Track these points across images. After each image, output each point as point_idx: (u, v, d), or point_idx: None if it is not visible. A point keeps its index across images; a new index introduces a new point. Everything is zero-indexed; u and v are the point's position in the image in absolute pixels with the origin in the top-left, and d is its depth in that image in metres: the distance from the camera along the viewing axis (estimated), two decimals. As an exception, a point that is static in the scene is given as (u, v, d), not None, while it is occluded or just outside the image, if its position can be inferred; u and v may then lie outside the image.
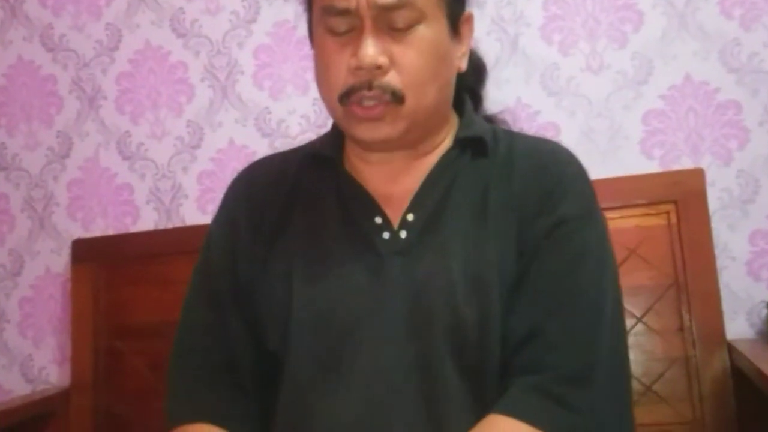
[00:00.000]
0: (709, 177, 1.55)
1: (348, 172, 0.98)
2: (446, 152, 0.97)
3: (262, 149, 1.75)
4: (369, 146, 0.94)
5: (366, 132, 0.90)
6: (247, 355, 0.97)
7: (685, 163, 1.58)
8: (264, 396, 0.98)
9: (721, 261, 1.52)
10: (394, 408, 0.87)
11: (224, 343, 0.98)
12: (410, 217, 0.94)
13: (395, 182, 0.96)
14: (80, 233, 1.85)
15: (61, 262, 1.85)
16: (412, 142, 0.94)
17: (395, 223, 0.94)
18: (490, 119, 1.07)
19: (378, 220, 0.94)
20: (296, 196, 0.99)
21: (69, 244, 1.80)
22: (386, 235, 0.93)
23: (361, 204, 0.95)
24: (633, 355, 1.46)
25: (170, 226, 1.81)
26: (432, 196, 0.94)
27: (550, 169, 0.93)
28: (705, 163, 1.58)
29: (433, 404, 0.86)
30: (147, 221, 1.83)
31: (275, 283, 0.94)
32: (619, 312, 0.91)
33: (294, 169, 1.02)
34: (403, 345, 0.88)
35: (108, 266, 1.71)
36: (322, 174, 0.99)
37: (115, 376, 1.67)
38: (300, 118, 1.77)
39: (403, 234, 0.93)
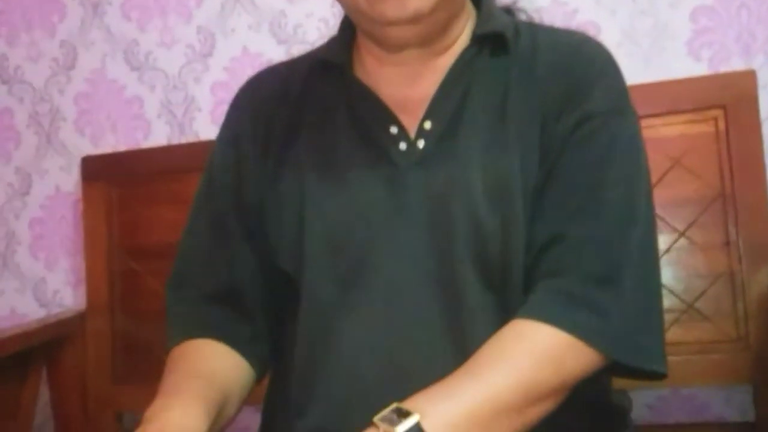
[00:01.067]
0: (761, 79, 1.52)
1: (359, 79, 0.96)
2: (464, 51, 0.94)
3: (278, 57, 1.74)
4: (391, 34, 0.90)
5: (393, 7, 0.86)
6: (252, 278, 0.99)
7: (736, 65, 1.55)
8: (274, 322, 0.99)
9: (773, 170, 1.51)
10: (416, 323, 0.88)
11: (227, 267, 0.99)
12: (427, 124, 0.93)
13: (410, 86, 0.95)
14: (89, 150, 1.86)
15: (70, 180, 1.87)
16: (429, 36, 0.92)
17: (412, 132, 0.93)
18: (509, 10, 1.04)
19: (393, 129, 0.93)
20: (304, 108, 0.98)
21: (78, 161, 1.81)
22: (403, 145, 0.92)
23: (374, 113, 0.94)
24: (674, 272, 1.46)
25: (183, 141, 1.82)
26: (450, 101, 0.93)
27: (575, 63, 0.91)
28: (757, 64, 1.54)
29: (456, 318, 0.87)
30: (159, 136, 1.84)
31: (286, 201, 0.95)
32: (651, 215, 0.89)
33: (300, 78, 1.01)
34: (424, 259, 0.89)
35: (120, 184, 1.73)
36: (331, 82, 0.98)
37: (131, 298, 1.70)
38: (318, 21, 1.75)
39: (420, 144, 0.92)
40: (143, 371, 1.65)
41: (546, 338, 0.82)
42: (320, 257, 0.92)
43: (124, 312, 1.70)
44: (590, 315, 0.83)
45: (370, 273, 0.90)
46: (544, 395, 0.81)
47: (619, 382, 1.03)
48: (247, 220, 0.98)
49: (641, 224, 0.87)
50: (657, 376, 0.86)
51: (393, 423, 0.75)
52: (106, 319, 1.69)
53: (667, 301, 1.45)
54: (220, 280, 0.99)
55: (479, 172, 0.89)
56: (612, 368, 0.86)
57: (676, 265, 1.47)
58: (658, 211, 1.48)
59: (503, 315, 0.87)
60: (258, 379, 1.01)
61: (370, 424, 0.76)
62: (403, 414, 0.76)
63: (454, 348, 0.87)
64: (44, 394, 1.69)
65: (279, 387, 0.98)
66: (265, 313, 1.00)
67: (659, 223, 1.47)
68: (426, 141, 0.92)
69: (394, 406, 0.77)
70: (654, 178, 1.47)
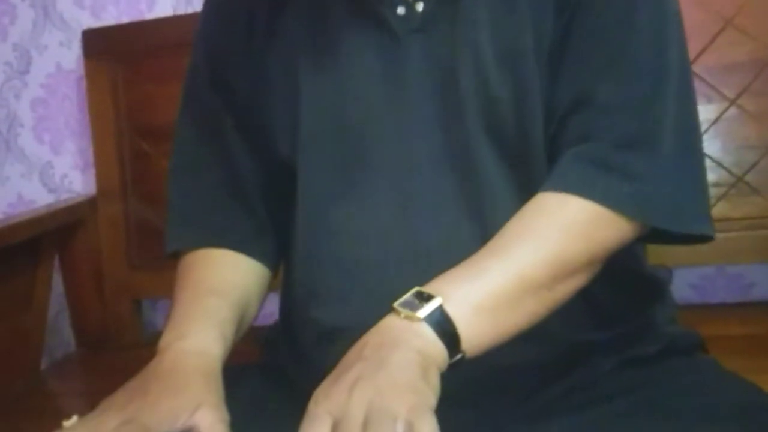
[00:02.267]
0: (826, -72, 1.46)
1: None
2: None
3: None
4: None
5: None
6: (251, 167, 0.99)
7: None
8: (277, 215, 1.00)
9: (835, 30, 1.47)
10: (428, 207, 0.88)
11: (225, 158, 0.99)
12: None
13: None
14: (90, 22, 1.84)
15: (72, 56, 1.87)
16: None
17: None
18: None
19: None
20: None
21: (78, 35, 1.80)
22: (401, 9, 0.89)
23: None
24: (723, 143, 1.45)
25: (190, 10, 1.79)
26: None
27: None
28: None
29: (473, 195, 0.87)
30: (164, 5, 1.81)
31: (277, 83, 0.94)
32: (685, 65, 0.87)
33: None
34: (432, 136, 0.88)
35: (124, 60, 1.72)
36: None
37: (143, 181, 1.72)
38: None
39: (419, 6, 0.89)
40: (160, 257, 1.64)
41: (574, 210, 0.81)
42: (316, 141, 0.91)
43: (137, 196, 1.72)
44: (623, 181, 0.82)
45: (373, 154, 0.89)
46: (574, 270, 0.81)
47: (659, 260, 1.05)
48: (237, 108, 0.98)
49: (675, 76, 0.84)
50: (702, 239, 0.86)
51: (414, 307, 0.76)
52: (118, 203, 1.72)
53: (715, 175, 1.44)
54: (218, 168, 1.00)
55: (487, 35, 0.86)
56: (652, 237, 0.86)
57: (726, 136, 1.45)
58: (707, 77, 1.45)
59: (524, 188, 0.86)
60: (274, 272, 1.03)
61: (391, 310, 0.77)
62: (425, 298, 0.76)
63: (474, 226, 0.87)
64: (58, 283, 1.73)
65: (289, 281, 1.00)
66: (268, 206, 1.01)
67: (708, 91, 1.45)
68: (425, 3, 0.89)
69: (414, 290, 0.78)
70: (703, 41, 1.44)
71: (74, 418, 0.78)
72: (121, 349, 1.69)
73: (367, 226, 0.89)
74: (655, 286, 1.00)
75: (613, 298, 0.88)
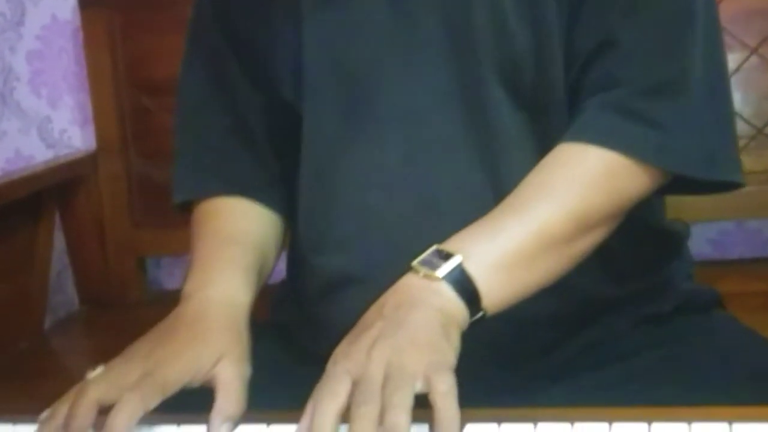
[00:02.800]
0: None
1: None
2: None
3: None
4: None
5: None
6: (258, 113, 0.99)
7: None
8: (284, 160, 1.00)
9: None
10: (437, 154, 0.87)
11: (232, 104, 0.99)
12: None
13: None
14: (86, -29, 1.82)
15: (67, 6, 1.85)
16: None
17: None
18: None
19: None
20: None
21: (74, -17, 1.78)
22: None
23: None
24: (744, 94, 1.45)
25: (190, -43, 1.77)
26: None
27: None
28: None
29: (485, 147, 0.86)
30: (162, -47, 1.79)
31: (280, 24, 0.93)
32: (713, 12, 0.86)
33: None
34: (442, 79, 0.86)
35: (122, 10, 1.71)
36: None
37: (144, 136, 1.72)
38: None
39: None
40: (164, 214, 1.65)
41: (597, 162, 0.81)
42: (320, 85, 0.90)
43: (138, 152, 1.72)
44: (649, 129, 0.81)
45: (380, 98, 0.88)
46: (595, 223, 0.81)
47: (676, 214, 1.05)
48: (241, 51, 0.98)
49: (701, 20, 0.83)
50: (731, 187, 0.85)
51: (433, 266, 0.76)
52: (119, 159, 1.72)
53: (734, 127, 1.43)
54: (226, 115, 1.00)
55: None
56: (675, 187, 0.86)
57: (746, 86, 1.44)
58: (727, 25, 1.43)
59: (540, 138, 0.86)
60: (287, 223, 1.03)
61: (409, 268, 0.77)
62: (444, 256, 0.77)
63: (485, 176, 0.87)
64: (60, 241, 1.74)
65: (295, 232, 1.00)
66: (277, 153, 1.01)
67: (728, 40, 1.44)
68: None
69: (433, 248, 0.78)
70: (723, -13, 1.42)
71: (99, 369, 0.79)
72: (125, 308, 1.71)
73: (374, 174, 0.89)
74: (672, 241, 1.00)
75: (630, 252, 0.89)
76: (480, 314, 0.77)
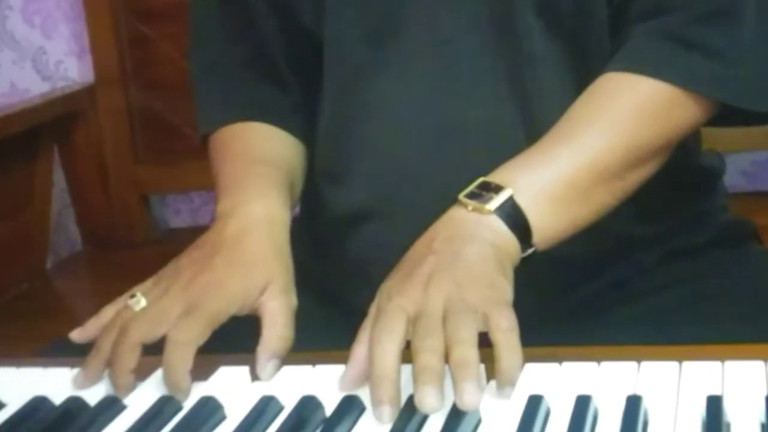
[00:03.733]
0: None
1: None
2: None
3: None
4: None
5: None
6: (278, 39, 0.98)
7: None
8: (306, 87, 0.99)
9: None
10: (465, 83, 0.87)
11: (250, 29, 0.98)
12: None
13: None
14: None
15: (60, -73, 1.83)
16: None
17: None
18: None
19: None
20: None
21: None
22: None
23: None
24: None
25: None
26: None
27: None
28: None
29: (516, 76, 0.86)
30: None
31: None
32: None
33: None
34: (472, 5, 0.86)
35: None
36: None
37: (145, 67, 1.70)
38: None
39: None
40: (167, 149, 1.69)
41: (649, 92, 0.81)
42: (343, 10, 0.89)
43: (138, 84, 1.71)
44: (704, 59, 0.81)
45: (406, 22, 0.87)
46: (646, 157, 0.81)
47: (708, 145, 1.04)
48: None
49: None
50: None
51: (483, 199, 0.76)
52: (118, 92, 1.71)
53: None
54: (244, 43, 0.99)
55: None
56: (719, 118, 0.85)
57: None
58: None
59: (577, 68, 0.86)
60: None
61: (455, 201, 0.77)
62: (493, 189, 0.76)
63: (515, 106, 0.86)
64: (60, 179, 1.75)
65: (312, 163, 0.99)
66: (299, 79, 1.00)
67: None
68: None
69: (480, 180, 0.78)
70: None
71: (138, 295, 0.80)
72: (130, 247, 1.72)
73: (398, 104, 0.88)
74: (707, 175, 1.00)
75: (662, 189, 0.89)
76: (531, 249, 0.77)
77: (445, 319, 0.67)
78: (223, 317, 0.77)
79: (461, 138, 0.87)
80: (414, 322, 0.67)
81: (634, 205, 0.85)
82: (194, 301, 0.77)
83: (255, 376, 0.75)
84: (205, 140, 1.01)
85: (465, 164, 0.80)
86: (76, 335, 0.82)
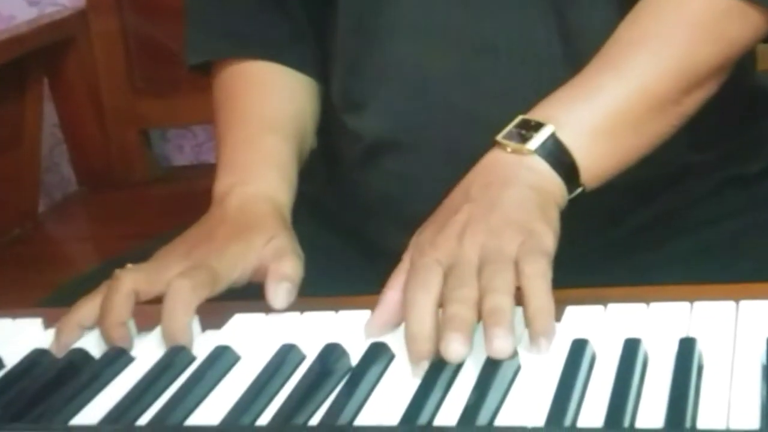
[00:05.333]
0: None
1: None
2: None
3: None
4: None
5: None
6: None
7: None
8: (314, 8, 0.98)
9: None
10: (497, 14, 0.86)
11: None
12: None
13: None
14: None
15: None
16: None
17: None
18: None
19: None
20: None
21: None
22: None
23: None
24: None
25: None
26: None
27: None
28: None
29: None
30: None
31: None
32: None
33: None
34: None
35: None
36: None
37: (140, -11, 1.70)
38: None
39: None
40: (168, 79, 1.68)
41: (702, 6, 0.80)
42: None
43: (134, 8, 1.71)
44: None
45: None
46: (703, 78, 0.81)
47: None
48: None
49: None
50: None
51: (522, 139, 0.75)
52: (112, 17, 1.70)
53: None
54: None
55: None
56: None
57: None
58: None
59: None
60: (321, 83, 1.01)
61: (494, 143, 0.76)
62: (533, 126, 0.76)
63: (550, 22, 0.86)
64: (51, 114, 1.75)
65: (328, 93, 0.99)
66: (305, 3, 0.99)
67: None
68: None
69: (519, 119, 0.77)
70: None
71: (129, 266, 0.79)
72: (129, 187, 1.72)
73: (423, 21, 0.88)
74: (762, 98, 0.99)
75: (715, 113, 0.88)
76: (579, 190, 0.77)
77: (479, 270, 0.67)
78: (227, 279, 0.78)
79: (491, 58, 0.86)
80: (447, 273, 0.68)
81: (686, 130, 0.85)
82: (195, 263, 0.78)
83: (269, 310, 0.75)
84: (197, 70, 1.01)
85: (497, 87, 0.80)
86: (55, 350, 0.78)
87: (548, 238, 0.71)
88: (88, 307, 0.77)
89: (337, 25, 0.93)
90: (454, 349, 0.62)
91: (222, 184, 0.89)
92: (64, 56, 1.70)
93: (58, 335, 0.76)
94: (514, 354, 0.63)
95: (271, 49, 0.98)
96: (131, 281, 0.76)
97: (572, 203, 0.77)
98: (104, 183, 1.74)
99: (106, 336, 0.74)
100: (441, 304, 0.66)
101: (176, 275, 0.75)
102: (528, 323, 0.65)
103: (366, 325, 0.70)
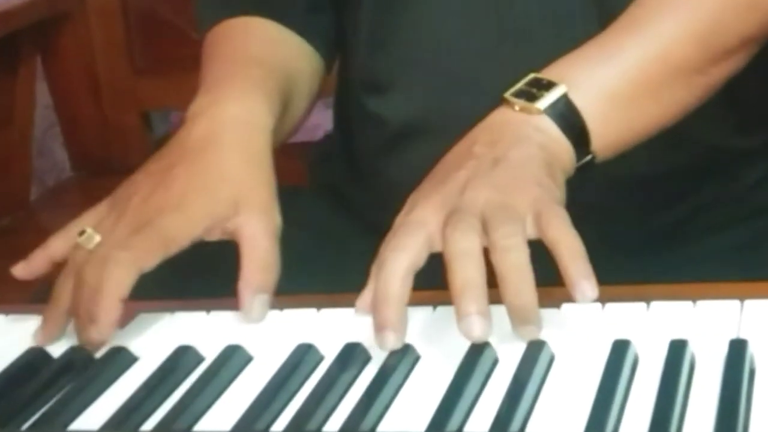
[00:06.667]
0: None
1: None
2: None
3: None
4: None
5: None
6: None
7: None
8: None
9: None
10: None
11: None
12: None
13: None
14: None
15: None
16: None
17: None
18: None
19: None
20: None
21: None
22: None
23: None
24: None
25: None
26: None
27: None
28: None
29: None
30: None
31: None
32: None
33: None
34: None
35: None
36: None
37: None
38: None
39: None
40: (171, 57, 1.68)
41: None
42: None
43: (135, -22, 1.71)
44: None
45: None
46: (733, 47, 0.80)
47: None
48: None
49: None
50: None
51: (532, 97, 0.75)
52: (112, -10, 1.70)
53: None
54: None
55: None
56: None
57: None
58: None
59: None
60: (328, 65, 1.02)
61: (501, 101, 0.76)
62: (545, 85, 0.76)
63: (593, 3, 0.86)
64: (44, 95, 1.75)
65: (348, 76, 1.00)
66: None
67: None
68: None
69: (530, 76, 0.77)
70: None
71: (88, 231, 0.79)
72: (127, 172, 1.68)
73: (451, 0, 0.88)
74: None
75: (761, 94, 0.87)
76: (589, 157, 0.76)
77: (485, 230, 0.66)
78: (182, 241, 0.77)
79: (523, 37, 0.87)
80: (443, 226, 0.67)
81: (730, 111, 0.85)
82: (148, 218, 0.76)
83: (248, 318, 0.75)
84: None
85: (533, 66, 0.79)
86: (21, 271, 0.82)
87: (557, 191, 0.71)
88: (65, 290, 0.77)
89: (360, 2, 0.93)
90: (477, 334, 0.61)
91: (194, 105, 0.87)
92: (58, 32, 1.69)
93: (44, 324, 0.77)
94: (549, 353, 0.62)
95: (282, 13, 0.97)
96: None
97: (607, 195, 0.77)
98: (101, 169, 1.74)
99: (81, 336, 0.75)
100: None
101: (115, 248, 0.74)
102: (564, 270, 0.63)
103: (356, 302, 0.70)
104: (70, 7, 1.69)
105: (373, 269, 0.69)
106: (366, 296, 0.69)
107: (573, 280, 0.62)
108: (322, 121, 1.06)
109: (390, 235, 0.69)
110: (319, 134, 1.11)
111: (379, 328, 0.64)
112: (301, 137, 1.06)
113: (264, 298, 0.75)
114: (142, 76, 1.71)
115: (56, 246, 0.83)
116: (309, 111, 0.99)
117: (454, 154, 0.75)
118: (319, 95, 1.01)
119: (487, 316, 0.62)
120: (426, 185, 0.73)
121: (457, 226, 0.65)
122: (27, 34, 1.65)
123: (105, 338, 0.73)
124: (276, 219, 0.81)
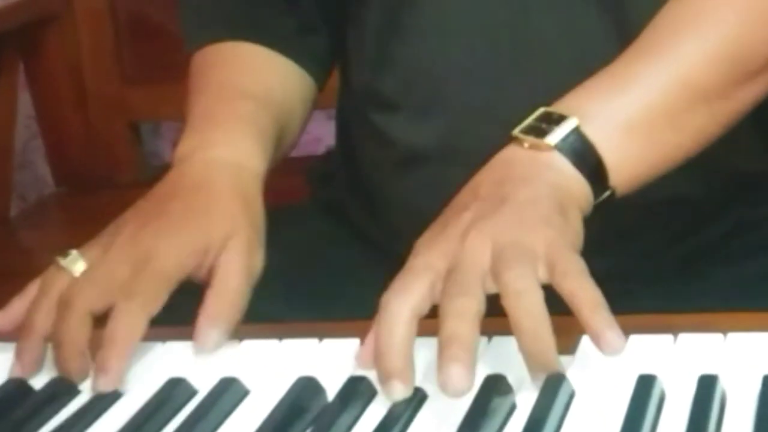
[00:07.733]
0: None
1: None
2: None
3: None
4: None
5: None
6: None
7: None
8: (328, 8, 1.00)
9: None
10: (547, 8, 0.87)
11: None
12: None
13: None
14: None
15: None
16: None
17: None
18: None
19: None
20: None
21: None
22: None
23: None
24: None
25: None
26: None
27: None
28: None
29: None
30: None
31: None
32: None
33: None
34: None
35: None
36: None
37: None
38: None
39: None
40: (162, 65, 1.68)
41: None
42: None
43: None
44: None
45: None
46: (758, 69, 0.80)
47: None
48: None
49: None
50: None
51: (542, 133, 0.75)
52: (99, -8, 1.71)
53: None
54: None
55: None
56: None
57: None
58: None
59: None
60: (320, 85, 1.03)
61: (510, 138, 0.76)
62: (555, 119, 0.75)
63: (609, 15, 0.86)
64: (25, 104, 1.75)
65: (350, 95, 1.01)
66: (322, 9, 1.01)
67: None
68: None
69: (540, 110, 0.77)
70: None
71: (73, 253, 0.80)
72: (114, 188, 1.73)
73: (463, 14, 0.88)
74: None
75: None
76: (607, 193, 0.76)
77: (494, 272, 0.66)
78: (180, 274, 0.78)
79: (539, 56, 0.87)
80: (446, 279, 0.67)
81: (758, 135, 0.84)
82: (143, 258, 0.77)
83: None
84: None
85: (550, 88, 0.79)
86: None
87: (572, 234, 0.70)
88: (41, 316, 0.77)
89: (366, 17, 0.94)
90: (452, 384, 0.61)
91: (183, 147, 0.89)
92: (43, 36, 1.70)
93: (20, 354, 0.77)
94: (569, 389, 0.62)
95: (272, 37, 0.99)
96: (83, 301, 0.76)
97: (629, 221, 0.77)
98: (86, 183, 1.75)
99: (63, 367, 0.75)
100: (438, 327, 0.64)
101: (122, 287, 0.75)
102: (585, 322, 0.63)
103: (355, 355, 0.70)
104: (55, 10, 1.70)
105: (376, 318, 0.68)
106: (368, 346, 0.68)
107: (597, 332, 0.62)
108: (324, 135, 1.07)
109: (393, 281, 0.69)
110: (320, 148, 1.12)
111: (386, 377, 0.64)
112: (302, 151, 1.07)
113: (220, 333, 0.76)
114: (131, 85, 1.73)
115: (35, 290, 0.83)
116: (303, 130, 1.01)
117: (460, 196, 0.75)
118: (313, 110, 1.02)
119: (469, 370, 0.61)
120: (431, 230, 0.73)
121: (456, 290, 0.65)
122: (9, 38, 1.66)
123: (113, 388, 0.72)
124: (257, 263, 0.82)
